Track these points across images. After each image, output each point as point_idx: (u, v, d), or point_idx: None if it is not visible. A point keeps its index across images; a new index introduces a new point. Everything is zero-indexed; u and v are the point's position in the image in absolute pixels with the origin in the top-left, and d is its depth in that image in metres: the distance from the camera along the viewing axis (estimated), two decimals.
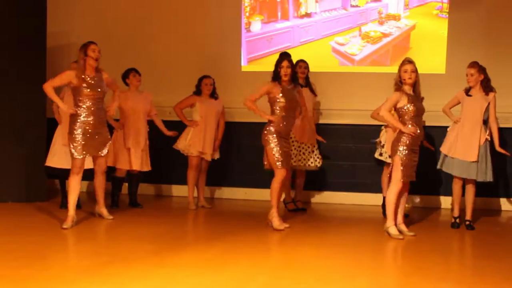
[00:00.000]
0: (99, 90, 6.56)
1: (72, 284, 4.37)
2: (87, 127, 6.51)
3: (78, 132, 6.47)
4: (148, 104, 7.70)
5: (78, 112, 6.49)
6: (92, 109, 6.52)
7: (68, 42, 9.14)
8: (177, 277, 4.60)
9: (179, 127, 7.90)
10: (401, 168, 6.17)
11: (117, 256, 5.21)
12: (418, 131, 6.22)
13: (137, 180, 7.91)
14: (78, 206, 7.33)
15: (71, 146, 6.49)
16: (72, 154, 6.51)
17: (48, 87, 6.52)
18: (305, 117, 7.68)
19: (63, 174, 7.53)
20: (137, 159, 7.58)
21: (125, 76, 7.66)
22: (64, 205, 7.55)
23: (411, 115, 6.21)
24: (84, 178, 7.67)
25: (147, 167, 7.75)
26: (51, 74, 8.20)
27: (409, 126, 6.20)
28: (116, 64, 7.56)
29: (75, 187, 6.54)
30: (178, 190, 8.82)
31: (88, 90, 6.49)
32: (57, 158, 7.35)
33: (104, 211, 6.99)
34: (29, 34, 7.87)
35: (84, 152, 6.51)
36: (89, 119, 6.51)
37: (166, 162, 8.57)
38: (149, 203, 8.16)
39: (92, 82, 6.52)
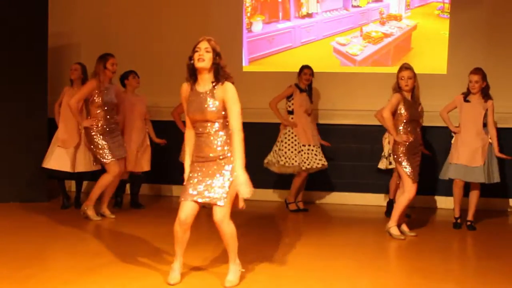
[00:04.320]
0: (110, 102, 6.89)
1: (72, 284, 4.37)
2: (104, 136, 6.81)
3: (99, 139, 6.79)
4: (144, 107, 7.71)
5: (95, 122, 6.82)
6: (107, 117, 6.85)
7: (69, 43, 9.15)
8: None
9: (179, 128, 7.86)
10: (408, 175, 6.16)
11: (118, 256, 5.21)
12: (411, 139, 6.20)
13: (139, 181, 7.90)
14: (78, 205, 7.37)
15: (99, 155, 6.80)
16: (102, 161, 6.83)
17: (74, 104, 6.79)
18: (300, 122, 7.67)
19: (61, 175, 7.53)
20: (131, 160, 7.56)
21: (124, 77, 7.64)
22: (65, 205, 7.57)
23: (403, 120, 6.20)
24: (85, 178, 7.73)
25: (145, 168, 7.73)
26: (52, 75, 8.24)
27: (401, 132, 6.19)
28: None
29: (102, 186, 6.89)
30: (178, 190, 8.77)
31: (103, 100, 6.81)
32: (53, 160, 7.36)
33: (106, 210, 7.04)
34: (30, 34, 7.87)
35: (112, 156, 6.81)
36: (104, 127, 6.82)
37: (166, 162, 8.56)
38: (150, 204, 8.15)
39: (106, 94, 6.83)
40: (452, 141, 7.00)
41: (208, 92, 4.34)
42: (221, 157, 4.37)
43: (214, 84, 4.36)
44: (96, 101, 6.80)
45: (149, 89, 8.14)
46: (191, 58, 4.35)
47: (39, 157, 7.59)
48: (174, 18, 8.94)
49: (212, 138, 4.36)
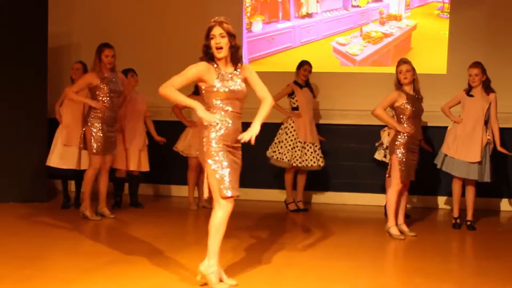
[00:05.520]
0: (116, 89, 6.83)
1: (72, 284, 4.37)
2: (104, 125, 6.76)
3: (98, 127, 6.72)
4: (144, 105, 7.72)
5: (103, 106, 6.75)
6: (112, 107, 6.81)
7: (69, 42, 9.15)
8: (178, 277, 4.59)
9: (179, 127, 7.88)
10: (399, 167, 6.17)
11: (118, 256, 5.21)
12: (413, 131, 6.21)
13: (138, 180, 7.91)
14: (78, 205, 7.37)
15: (91, 143, 6.72)
16: (90, 150, 6.76)
17: (72, 94, 6.82)
18: (305, 117, 7.69)
19: (66, 175, 7.54)
20: (134, 159, 7.59)
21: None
22: (65, 205, 7.57)
23: (408, 115, 6.21)
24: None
25: (145, 168, 7.74)
26: (52, 75, 8.24)
27: (405, 125, 6.21)
28: (116, 64, 7.55)
29: (88, 181, 6.85)
30: (178, 190, 8.82)
31: (106, 89, 6.75)
32: (58, 158, 7.37)
33: (105, 210, 7.03)
34: (30, 34, 7.87)
35: (100, 150, 6.75)
36: (106, 116, 6.76)
37: (166, 162, 8.57)
38: (150, 203, 8.16)
39: (110, 82, 6.78)
40: (449, 129, 6.97)
41: (234, 72, 4.33)
42: (239, 146, 4.40)
43: (235, 67, 4.35)
44: (102, 88, 6.75)
45: (149, 89, 8.07)
46: (207, 46, 4.28)
47: (39, 157, 7.59)
48: (174, 18, 8.94)
49: (239, 120, 4.37)
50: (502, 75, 7.88)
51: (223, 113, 4.29)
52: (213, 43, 4.25)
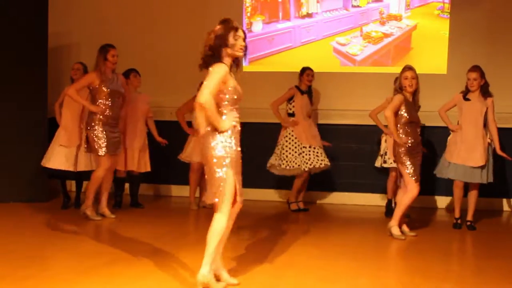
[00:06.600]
0: (117, 90, 6.84)
1: (72, 284, 4.37)
2: (106, 126, 6.74)
3: (100, 129, 6.71)
4: (146, 105, 7.71)
5: (102, 109, 6.74)
6: (113, 108, 6.80)
7: (69, 42, 9.15)
8: (178, 277, 4.60)
9: (180, 128, 7.86)
10: (410, 174, 6.16)
11: (118, 256, 5.21)
12: (411, 141, 6.19)
13: (138, 180, 7.91)
14: (78, 205, 7.37)
15: (96, 144, 6.70)
16: (96, 152, 6.73)
17: (73, 92, 6.79)
18: (302, 123, 7.68)
19: (64, 175, 7.54)
20: (133, 160, 7.59)
21: (125, 76, 7.62)
22: (65, 205, 7.57)
23: (403, 121, 6.19)
24: (84, 178, 7.72)
25: (145, 168, 7.74)
26: (52, 75, 8.24)
27: (400, 133, 6.19)
28: (117, 64, 7.56)
29: (96, 181, 6.83)
30: (178, 191, 8.82)
31: (108, 90, 6.74)
32: (53, 159, 7.36)
33: (106, 210, 7.03)
34: (30, 34, 7.87)
35: (107, 150, 6.73)
36: (108, 117, 6.75)
37: (166, 162, 8.56)
38: (150, 203, 8.16)
39: (111, 83, 6.78)
40: (449, 138, 6.98)
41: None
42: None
43: (231, 69, 4.38)
44: (104, 90, 6.74)
45: (148, 89, 8.14)
46: (226, 43, 4.27)
47: (39, 157, 7.59)
48: (174, 18, 8.95)
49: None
50: (503, 75, 7.89)
51: (235, 115, 4.37)
52: (238, 43, 4.29)
